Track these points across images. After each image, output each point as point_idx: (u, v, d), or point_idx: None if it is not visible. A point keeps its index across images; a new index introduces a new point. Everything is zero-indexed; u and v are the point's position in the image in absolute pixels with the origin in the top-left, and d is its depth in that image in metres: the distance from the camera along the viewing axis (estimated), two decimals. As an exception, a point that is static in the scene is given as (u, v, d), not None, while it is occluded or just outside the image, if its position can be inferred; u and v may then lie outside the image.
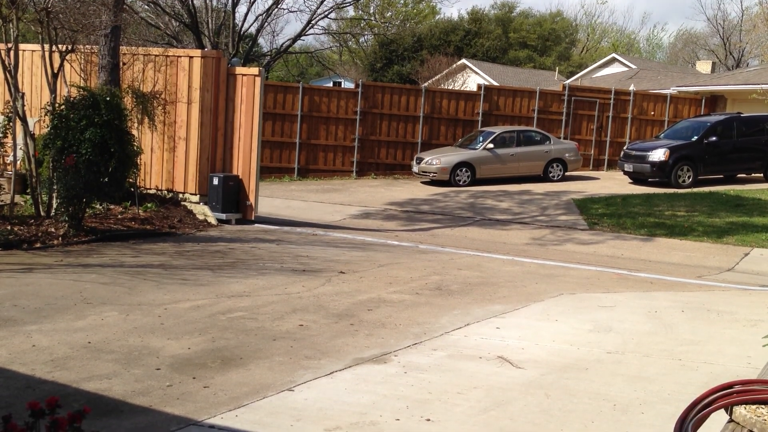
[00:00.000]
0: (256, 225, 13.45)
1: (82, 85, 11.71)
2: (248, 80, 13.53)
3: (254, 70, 13.80)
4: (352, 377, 5.49)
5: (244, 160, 13.61)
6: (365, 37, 45.16)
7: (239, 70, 14.01)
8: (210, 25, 27.92)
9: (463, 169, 21.42)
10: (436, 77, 39.44)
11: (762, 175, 22.25)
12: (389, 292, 8.44)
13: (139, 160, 12.21)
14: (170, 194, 13.87)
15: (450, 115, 24.42)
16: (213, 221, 13.19)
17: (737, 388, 3.14)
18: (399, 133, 23.91)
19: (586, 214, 16.68)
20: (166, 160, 13.88)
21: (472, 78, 40.36)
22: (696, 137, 21.41)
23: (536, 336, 6.78)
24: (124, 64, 13.67)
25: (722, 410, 3.06)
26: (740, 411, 2.96)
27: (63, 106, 10.97)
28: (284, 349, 6.09)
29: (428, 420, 4.71)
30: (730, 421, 3.02)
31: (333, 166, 23.14)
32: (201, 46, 25.80)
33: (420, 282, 9.08)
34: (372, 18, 42.13)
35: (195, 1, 27.27)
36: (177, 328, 6.57)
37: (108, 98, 11.01)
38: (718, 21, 56.51)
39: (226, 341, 6.25)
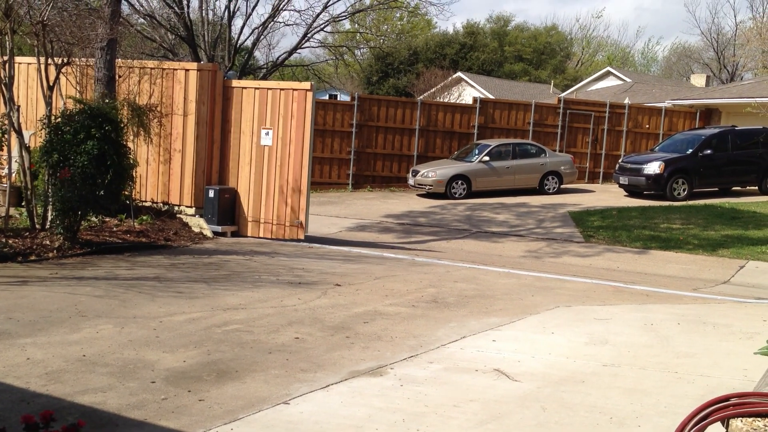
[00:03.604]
0: (248, 238, 13.44)
1: (77, 97, 11.71)
2: (299, 95, 13.13)
3: (306, 85, 13.34)
4: (347, 390, 5.47)
5: (295, 176, 13.16)
6: (361, 50, 45.30)
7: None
8: (206, 38, 27.98)
9: (459, 182, 21.46)
10: (432, 90, 39.57)
11: (757, 188, 22.32)
12: (385, 304, 8.42)
13: (134, 173, 12.20)
14: (166, 207, 13.86)
15: (446, 127, 24.49)
16: (209, 234, 13.17)
17: (734, 401, 3.13)
18: (395, 146, 23.96)
19: (582, 227, 16.69)
20: (161, 172, 13.87)
21: (468, 91, 40.49)
22: (691, 150, 21.49)
23: (532, 349, 6.77)
24: (119, 76, 13.69)
25: (719, 423, 3.06)
26: (737, 424, 2.95)
27: (59, 119, 10.97)
28: (280, 362, 6.07)
29: (424, 433, 4.69)
30: (727, 433, 3.02)
31: (329, 179, 23.17)
32: (197, 59, 25.85)
33: (416, 294, 9.07)
34: (368, 31, 42.23)
35: (191, 15, 27.36)
36: (172, 341, 6.55)
37: (106, 111, 11.02)
38: (712, 35, 56.83)
39: (222, 354, 6.22)
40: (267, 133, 13.30)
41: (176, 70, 13.82)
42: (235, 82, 14.11)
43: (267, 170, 13.35)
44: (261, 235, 13.42)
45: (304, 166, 13.12)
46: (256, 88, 13.55)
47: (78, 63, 13.48)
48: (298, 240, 13.21)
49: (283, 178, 13.23)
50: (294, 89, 13.25)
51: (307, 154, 13.09)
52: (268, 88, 13.46)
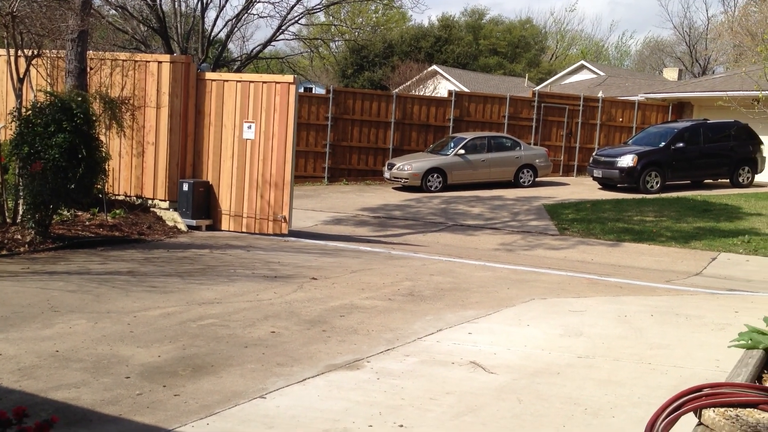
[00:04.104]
0: (223, 232, 13.36)
1: (48, 90, 11.55)
2: (282, 88, 13.00)
3: (288, 78, 13.24)
4: (324, 384, 5.46)
5: (278, 170, 13.05)
6: (336, 43, 45.14)
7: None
8: (179, 30, 27.71)
9: (435, 175, 21.49)
10: (407, 83, 39.57)
11: (728, 180, 22.58)
12: (362, 298, 8.42)
13: (107, 166, 12.07)
14: (139, 200, 13.74)
15: (421, 121, 24.49)
16: (183, 228, 13.08)
17: (706, 391, 3.16)
18: (370, 139, 23.93)
19: (557, 220, 16.80)
20: (134, 165, 13.74)
21: (443, 84, 40.54)
22: (663, 143, 21.68)
23: (508, 341, 6.81)
24: (91, 69, 13.52)
25: (691, 413, 3.09)
26: (709, 414, 2.98)
27: (30, 112, 10.82)
28: (256, 357, 6.04)
29: (401, 426, 4.70)
30: (699, 424, 3.05)
31: (304, 172, 23.08)
32: (170, 51, 25.60)
33: (392, 288, 9.08)
34: (343, 24, 42.11)
35: (164, 6, 27.07)
36: (147, 336, 6.50)
37: (76, 103, 10.88)
38: (685, 29, 57.34)
39: (197, 349, 6.19)
40: (249, 127, 13.19)
41: (149, 62, 13.68)
42: (216, 75, 13.98)
43: (250, 164, 13.24)
44: (244, 230, 13.31)
45: (287, 160, 13.02)
46: (238, 81, 13.42)
47: (49, 55, 13.29)
48: (282, 235, 13.13)
49: (267, 172, 13.13)
50: (277, 82, 13.16)
51: (290, 148, 12.99)
52: (251, 81, 13.34)
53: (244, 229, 13.29)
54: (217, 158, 13.48)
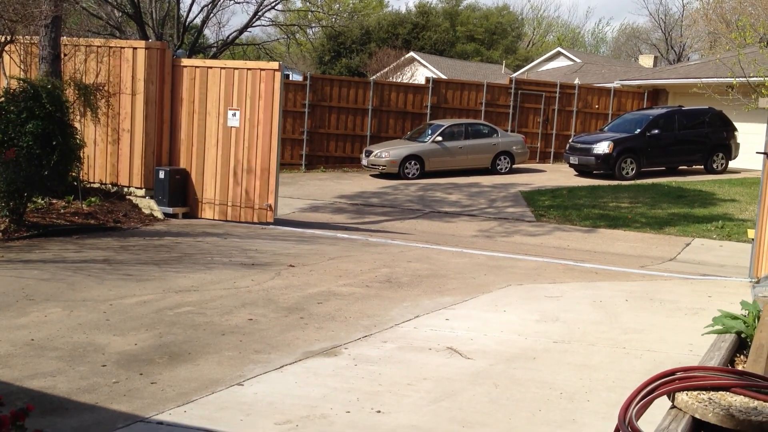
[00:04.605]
0: (200, 219, 13.30)
1: (21, 76, 11.40)
2: (267, 75, 12.81)
3: (274, 65, 13.05)
4: (302, 371, 5.47)
5: (263, 158, 12.88)
6: (313, 29, 44.92)
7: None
8: (154, 16, 27.42)
9: (412, 162, 21.50)
10: (385, 70, 39.45)
11: (703, 167, 22.80)
12: (339, 285, 8.43)
13: (82, 154, 11.95)
14: (115, 188, 13.62)
15: (399, 108, 24.47)
16: (159, 215, 13.00)
17: (679, 375, 3.21)
18: (348, 126, 23.88)
19: (533, 206, 16.89)
20: (110, 153, 13.61)
21: (421, 71, 40.47)
22: (639, 130, 21.84)
23: (485, 327, 6.85)
24: (65, 55, 13.35)
25: (665, 397, 3.13)
26: (682, 397, 3.03)
27: (2, 99, 10.67)
28: (233, 344, 6.04)
29: (378, 412, 4.72)
30: (673, 407, 3.09)
31: (282, 159, 22.94)
32: (145, 37, 25.32)
33: (370, 275, 9.09)
34: (320, 10, 41.88)
35: (139, -8, 26.77)
36: (123, 324, 6.47)
37: (49, 90, 10.75)
38: (660, 16, 57.71)
39: (174, 336, 6.17)
40: (234, 114, 13.05)
41: (124, 48, 13.54)
42: (199, 62, 13.83)
43: (234, 152, 13.10)
44: (229, 218, 13.18)
45: (273, 147, 12.89)
46: (222, 68, 13.24)
47: (22, 41, 13.12)
48: (267, 223, 13.05)
49: (252, 160, 13.00)
50: (262, 69, 13.01)
51: (276, 136, 12.86)
52: (235, 68, 13.17)
53: (229, 218, 13.18)
54: (201, 146, 13.28)
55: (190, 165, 13.44)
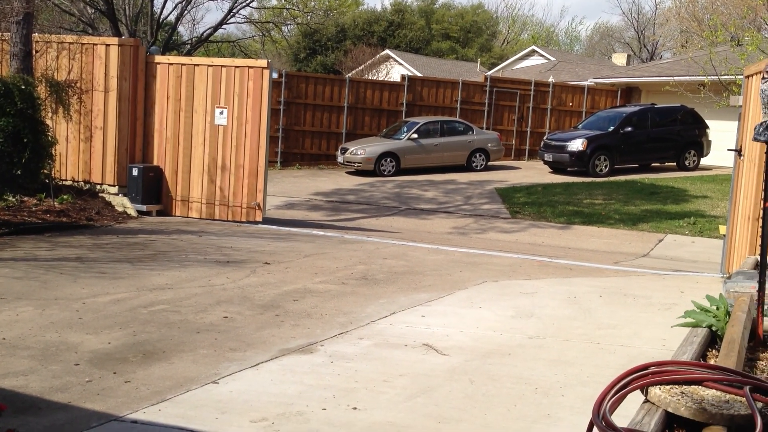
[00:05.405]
0: (174, 217, 13.21)
1: (-8, 72, 11.26)
2: (255, 73, 12.66)
3: (262, 62, 12.92)
4: (278, 368, 5.45)
5: (252, 156, 12.74)
6: (288, 26, 44.75)
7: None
8: (127, 13, 27.16)
9: (388, 159, 21.51)
10: (360, 68, 39.43)
11: (675, 164, 23.04)
12: (315, 282, 8.41)
13: (54, 151, 11.82)
14: (87, 186, 13.49)
15: (374, 105, 24.47)
16: (133, 213, 12.89)
17: (652, 369, 3.24)
18: (323, 124, 23.84)
19: (509, 203, 16.97)
20: (82, 150, 13.47)
21: (396, 69, 40.49)
22: (612, 127, 22.02)
23: (461, 323, 6.87)
24: (36, 51, 13.20)
25: (638, 391, 3.16)
26: (655, 391, 3.06)
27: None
28: (208, 342, 6.00)
29: (355, 408, 4.72)
30: (646, 401, 3.12)
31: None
32: (118, 34, 25.08)
33: (346, 272, 9.08)
34: (295, 7, 41.74)
35: (111, -12, 26.48)
36: (96, 322, 6.40)
37: (21, 87, 10.62)
38: (633, 15, 58.19)
39: (148, 335, 6.12)
40: (222, 112, 12.92)
41: (96, 45, 13.40)
42: (185, 59, 13.69)
43: (222, 150, 12.97)
44: (217, 217, 13.06)
45: (261, 146, 12.75)
46: (209, 66, 13.07)
47: (-8, 37, 12.96)
48: (255, 222, 12.96)
49: (240, 158, 12.87)
50: (250, 66, 12.88)
51: (264, 134, 12.73)
52: (223, 66, 13.02)
53: (216, 217, 13.05)
54: (188, 144, 13.12)
55: (175, 162, 13.24)
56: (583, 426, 3.13)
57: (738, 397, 2.97)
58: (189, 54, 29.01)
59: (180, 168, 13.24)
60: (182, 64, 13.25)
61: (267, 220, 13.46)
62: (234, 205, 12.99)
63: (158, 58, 13.55)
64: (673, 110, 22.89)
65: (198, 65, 13.15)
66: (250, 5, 30.05)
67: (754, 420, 2.75)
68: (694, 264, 11.35)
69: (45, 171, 11.77)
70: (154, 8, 28.25)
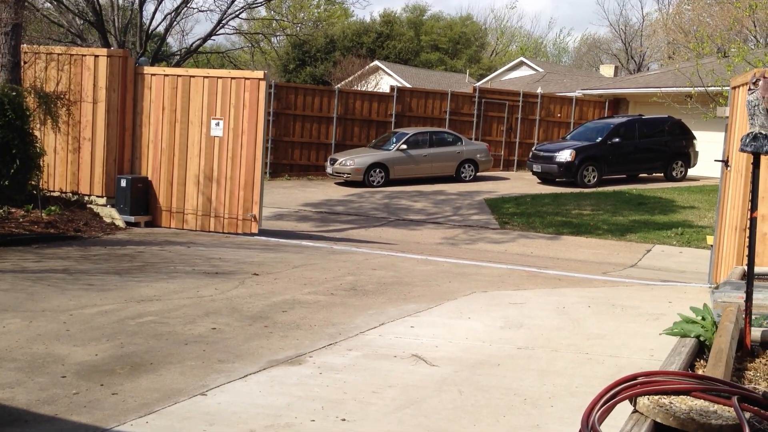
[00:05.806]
0: (162, 228, 13.16)
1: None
2: (252, 84, 12.65)
3: (259, 74, 12.91)
4: (266, 379, 5.43)
5: (248, 168, 12.68)
6: (277, 37, 44.82)
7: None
8: (116, 24, 27.12)
9: (377, 170, 21.54)
10: (349, 79, 39.48)
11: (662, 174, 23.16)
12: (304, 293, 8.40)
13: (42, 162, 11.77)
14: (75, 197, 13.43)
15: (363, 116, 24.52)
16: (121, 224, 12.84)
17: (641, 379, 3.25)
18: (313, 134, 23.86)
19: (498, 214, 17.01)
20: (70, 161, 13.42)
21: (385, 80, 40.58)
22: (600, 138, 22.13)
23: (450, 334, 6.87)
24: (25, 63, 13.16)
25: (627, 401, 3.16)
26: (644, 401, 3.06)
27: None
28: (196, 354, 5.98)
29: (343, 420, 4.71)
30: (635, 411, 3.12)
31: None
32: (107, 45, 25.04)
33: (334, 283, 9.07)
34: (284, 19, 41.83)
35: (100, -1, 26.47)
36: (83, 334, 6.37)
37: (9, 98, 10.58)
38: (621, 27, 58.58)
39: (136, 347, 6.09)
40: (218, 124, 12.87)
41: (85, 56, 13.37)
42: (182, 71, 13.59)
43: (218, 162, 12.91)
44: (212, 229, 12.98)
45: (257, 157, 12.71)
46: (205, 77, 13.03)
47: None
48: (251, 234, 12.90)
49: (236, 169, 12.81)
50: (246, 78, 12.86)
51: (260, 145, 12.69)
52: (219, 77, 12.99)
53: (211, 229, 12.97)
54: (183, 155, 13.08)
55: (171, 174, 13.16)
56: (572, 436, 3.13)
57: (726, 407, 2.98)
58: (178, 65, 28.99)
59: (175, 179, 13.18)
60: (178, 76, 13.22)
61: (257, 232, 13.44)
62: (230, 216, 12.95)
63: (154, 70, 13.53)
64: (661, 121, 23.03)
65: (194, 77, 13.13)
66: (240, 16, 30.09)
67: (743, 430, 2.76)
68: (681, 274, 11.39)
69: (33, 182, 11.72)
70: (143, 19, 28.23)
